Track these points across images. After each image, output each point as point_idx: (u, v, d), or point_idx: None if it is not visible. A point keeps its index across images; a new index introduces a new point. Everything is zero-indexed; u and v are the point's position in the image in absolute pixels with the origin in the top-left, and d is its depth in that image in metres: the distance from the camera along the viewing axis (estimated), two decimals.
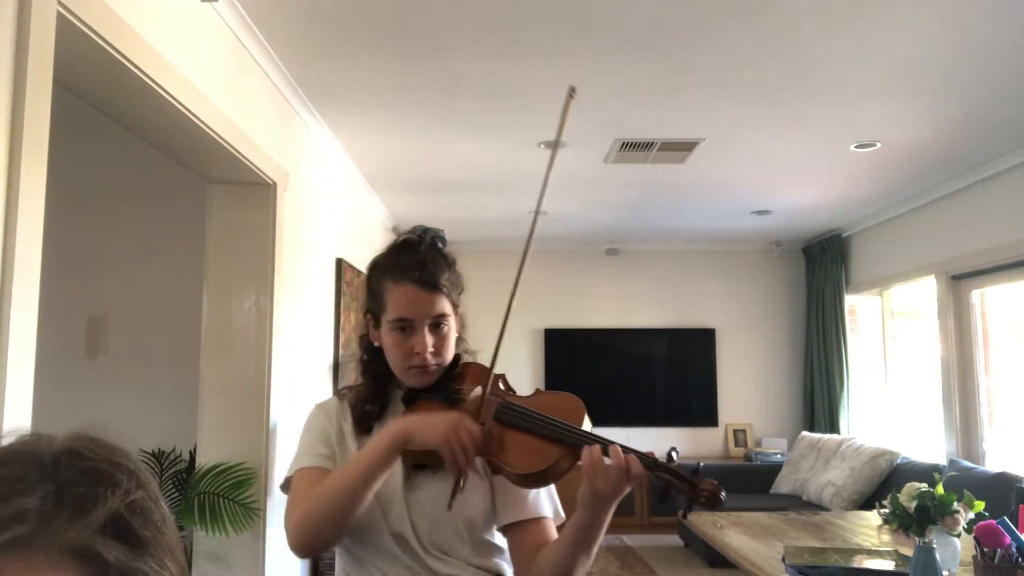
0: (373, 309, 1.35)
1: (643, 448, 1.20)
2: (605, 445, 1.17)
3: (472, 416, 1.23)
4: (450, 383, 1.34)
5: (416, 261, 1.31)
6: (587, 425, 1.25)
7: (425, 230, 1.36)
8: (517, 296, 1.32)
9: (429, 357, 1.29)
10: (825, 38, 2.75)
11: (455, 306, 1.35)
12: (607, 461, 1.14)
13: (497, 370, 1.34)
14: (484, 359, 1.40)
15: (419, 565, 1.25)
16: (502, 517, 1.32)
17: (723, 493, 1.11)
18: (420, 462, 1.26)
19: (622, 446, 1.17)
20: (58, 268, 3.26)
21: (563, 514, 1.34)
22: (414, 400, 1.34)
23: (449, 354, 1.34)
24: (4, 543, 0.43)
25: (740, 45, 2.82)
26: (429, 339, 1.29)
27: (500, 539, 1.36)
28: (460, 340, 1.41)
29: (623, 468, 1.13)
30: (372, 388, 1.38)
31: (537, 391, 1.34)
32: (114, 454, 0.51)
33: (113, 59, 1.85)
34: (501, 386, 1.34)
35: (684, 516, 1.17)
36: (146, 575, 0.48)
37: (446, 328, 1.32)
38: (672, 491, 1.14)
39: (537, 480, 1.21)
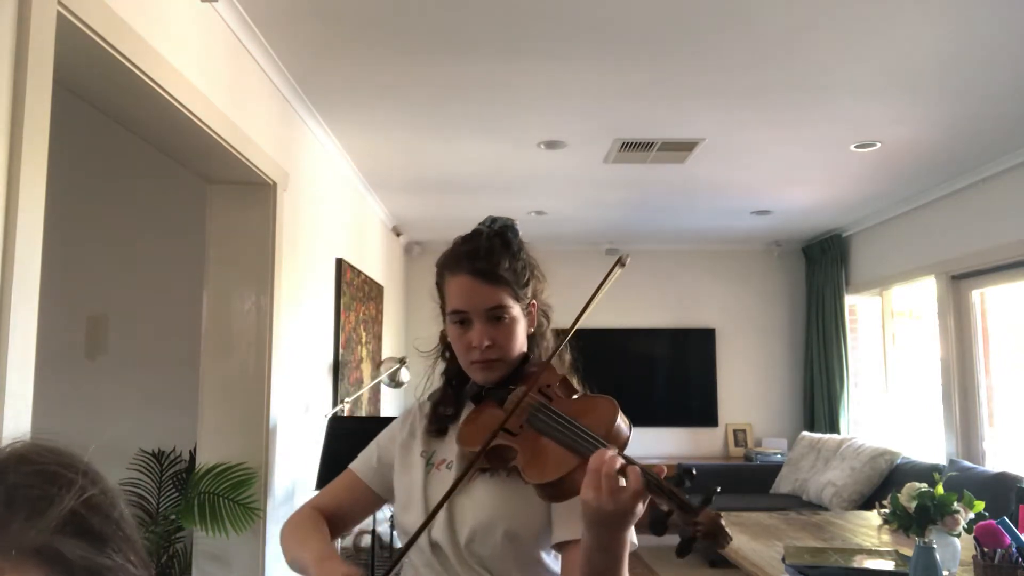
0: (441, 305, 1.32)
1: (642, 449, 1.06)
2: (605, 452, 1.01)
3: (510, 418, 1.17)
4: (518, 381, 1.25)
5: (471, 250, 1.25)
6: (622, 430, 1.11)
7: (493, 220, 1.31)
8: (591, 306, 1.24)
9: (487, 351, 1.23)
10: (825, 38, 2.75)
11: (518, 299, 1.26)
12: (604, 471, 0.98)
13: None
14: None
15: (449, 574, 1.19)
16: (556, 534, 1.18)
17: (727, 535, 0.92)
18: (483, 466, 1.20)
19: (631, 460, 1.00)
20: (58, 268, 3.26)
21: (635, 540, 1.16)
22: (480, 398, 1.29)
23: (514, 348, 1.26)
24: None
25: (740, 45, 2.82)
26: (485, 332, 1.23)
27: (557, 560, 1.23)
28: (539, 337, 1.33)
29: (611, 478, 0.96)
30: (446, 390, 1.35)
31: (584, 394, 1.23)
32: (63, 456, 0.49)
33: (113, 59, 1.85)
34: (559, 388, 1.23)
35: (679, 554, 0.94)
36: (111, 570, 0.47)
37: (507, 320, 1.24)
38: (670, 520, 0.96)
39: (553, 492, 1.08)
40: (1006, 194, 4.30)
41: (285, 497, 3.21)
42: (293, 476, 3.32)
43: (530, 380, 1.21)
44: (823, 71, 3.05)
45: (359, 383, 4.66)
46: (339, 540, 3.74)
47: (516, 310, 1.26)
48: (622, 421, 1.12)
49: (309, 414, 3.64)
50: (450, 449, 1.28)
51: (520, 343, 1.28)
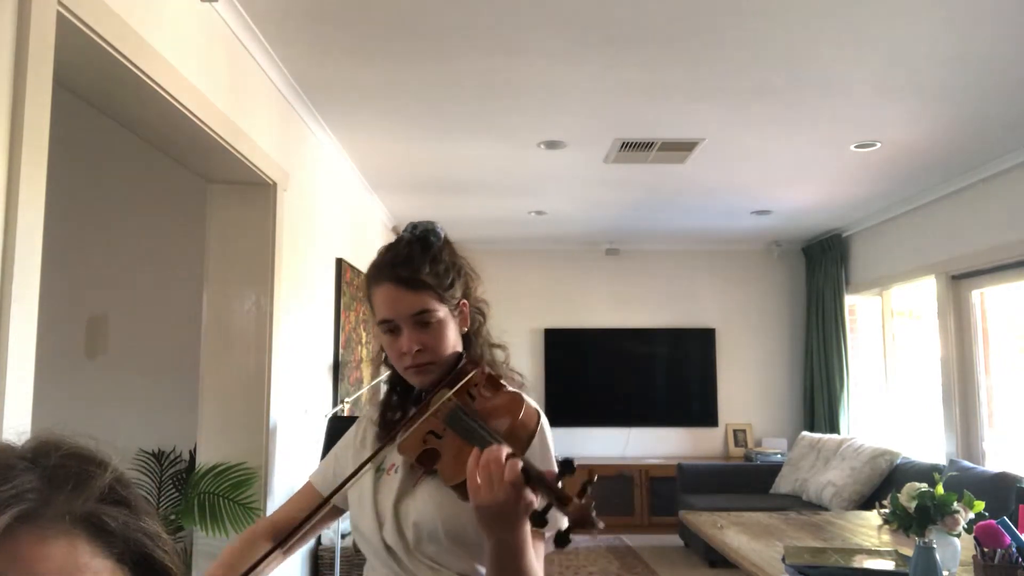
0: (373, 315, 1.33)
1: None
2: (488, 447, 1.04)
3: (438, 420, 1.19)
4: (454, 380, 1.26)
5: (392, 259, 1.27)
6: (526, 425, 1.14)
7: (415, 226, 1.31)
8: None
9: (418, 355, 1.24)
10: (825, 38, 2.75)
11: (443, 300, 1.27)
12: (489, 462, 1.01)
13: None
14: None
15: (406, 573, 1.22)
16: None
17: (595, 525, 0.94)
18: (429, 469, 1.22)
19: (516, 455, 1.02)
20: (58, 268, 3.26)
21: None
22: (420, 401, 1.30)
23: (446, 349, 1.27)
24: (12, 519, 0.45)
25: (740, 45, 2.82)
26: (414, 337, 1.24)
27: None
28: (474, 335, 1.34)
29: (495, 471, 0.99)
30: (390, 395, 1.37)
31: (502, 391, 1.24)
32: (82, 445, 0.53)
33: (113, 59, 1.85)
34: (484, 387, 1.24)
35: (557, 544, 0.96)
36: (147, 533, 0.50)
37: (434, 323, 1.25)
38: (548, 513, 0.98)
39: (466, 494, 1.09)
40: (1006, 194, 4.30)
41: (285, 497, 3.21)
42: (293, 476, 3.32)
43: (452, 383, 1.23)
44: (823, 71, 3.05)
45: (359, 383, 4.66)
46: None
47: (442, 312, 1.27)
48: (525, 416, 1.15)
49: (309, 414, 3.64)
50: (398, 455, 1.29)
51: (451, 344, 1.28)
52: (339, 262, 4.24)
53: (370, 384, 4.75)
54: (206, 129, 2.36)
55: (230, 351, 2.94)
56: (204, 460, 2.83)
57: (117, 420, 3.45)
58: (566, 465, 1.00)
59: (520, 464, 1.00)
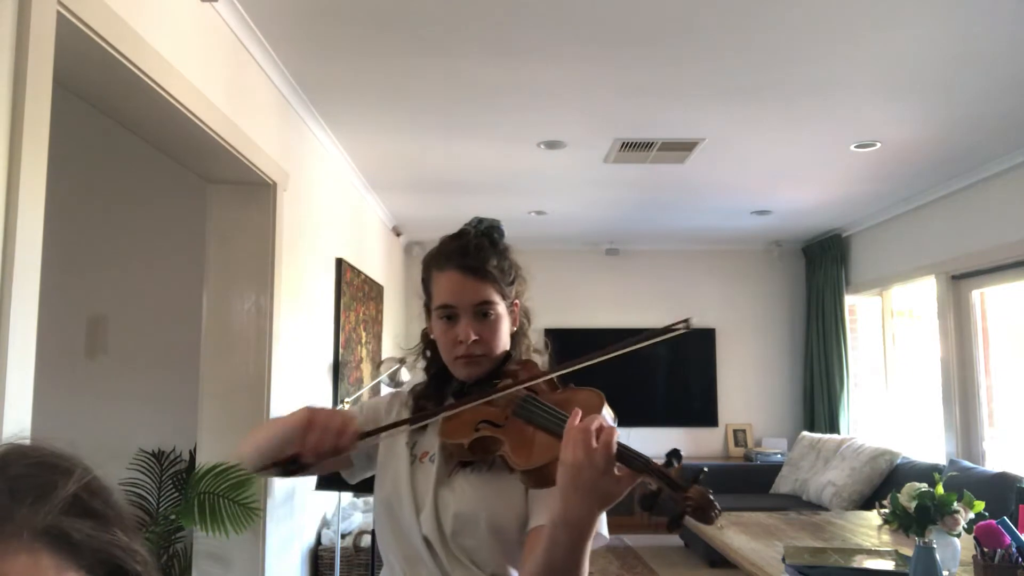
0: (426, 301, 1.34)
1: (642, 449, 1.07)
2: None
3: (497, 409, 1.19)
4: (500, 378, 1.26)
5: (460, 247, 1.28)
6: (608, 420, 1.14)
7: (480, 220, 1.34)
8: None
9: (473, 346, 1.25)
10: (825, 38, 2.75)
11: (504, 296, 1.29)
12: (593, 427, 1.00)
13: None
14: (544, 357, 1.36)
15: (440, 570, 1.20)
16: (531, 521, 1.18)
17: (715, 508, 0.94)
18: (466, 459, 1.22)
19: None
20: (58, 268, 3.26)
21: (606, 535, 1.18)
22: (463, 394, 1.30)
23: (499, 345, 1.29)
24: None
25: (741, 45, 2.82)
26: (472, 326, 1.25)
27: None
28: (520, 336, 1.36)
29: (589, 433, 0.98)
30: (428, 385, 1.37)
31: (568, 387, 1.25)
32: (55, 451, 0.51)
33: (113, 59, 1.85)
34: (543, 383, 1.25)
35: (670, 528, 0.97)
36: (117, 546, 0.48)
37: (493, 316, 1.27)
38: (660, 498, 0.98)
39: (539, 478, 1.10)
40: (1006, 194, 4.30)
41: (285, 497, 3.21)
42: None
43: (516, 376, 1.24)
44: (823, 71, 3.05)
45: (359, 383, 4.66)
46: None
47: (502, 307, 1.29)
48: (607, 411, 1.16)
49: None
50: (431, 442, 1.29)
51: (504, 341, 1.30)
52: (339, 262, 4.24)
53: (370, 384, 4.75)
54: (206, 129, 2.36)
55: (230, 351, 2.94)
56: (204, 460, 2.83)
57: (117, 420, 3.45)
58: (674, 454, 1.01)
59: (628, 452, 1.01)
